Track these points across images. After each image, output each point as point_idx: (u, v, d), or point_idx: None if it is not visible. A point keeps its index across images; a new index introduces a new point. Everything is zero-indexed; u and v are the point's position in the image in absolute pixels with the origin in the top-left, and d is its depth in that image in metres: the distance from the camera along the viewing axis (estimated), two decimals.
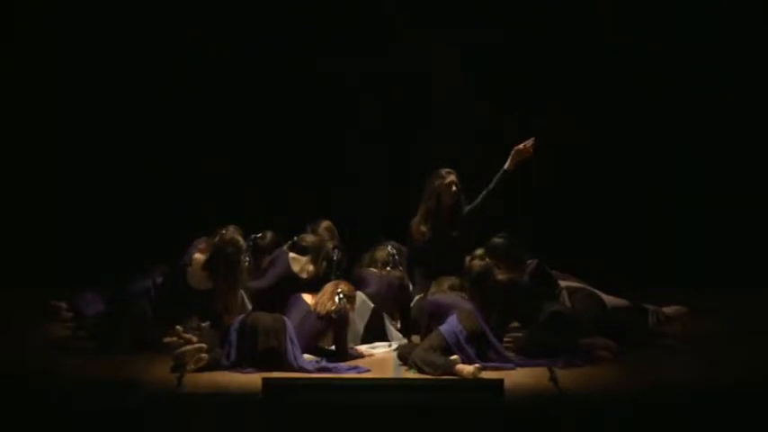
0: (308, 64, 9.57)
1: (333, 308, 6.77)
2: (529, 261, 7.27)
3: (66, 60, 9.56)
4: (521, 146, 7.53)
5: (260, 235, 7.58)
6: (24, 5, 9.56)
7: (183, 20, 9.53)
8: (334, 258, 7.36)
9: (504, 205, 7.70)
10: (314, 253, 7.40)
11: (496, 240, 7.23)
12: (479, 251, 7.15)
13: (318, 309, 6.79)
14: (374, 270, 7.57)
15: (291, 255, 7.37)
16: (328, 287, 6.93)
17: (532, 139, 7.51)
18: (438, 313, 6.83)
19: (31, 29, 9.56)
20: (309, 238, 7.53)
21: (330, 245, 7.49)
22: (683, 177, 9.58)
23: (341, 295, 6.84)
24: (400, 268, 7.63)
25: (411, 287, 7.59)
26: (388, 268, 7.61)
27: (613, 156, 9.57)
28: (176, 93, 9.54)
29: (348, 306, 6.88)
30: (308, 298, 6.91)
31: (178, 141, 9.57)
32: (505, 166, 7.56)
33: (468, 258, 7.16)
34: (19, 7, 9.55)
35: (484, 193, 7.60)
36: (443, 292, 7.04)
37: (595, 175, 9.58)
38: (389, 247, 7.73)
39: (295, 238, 7.60)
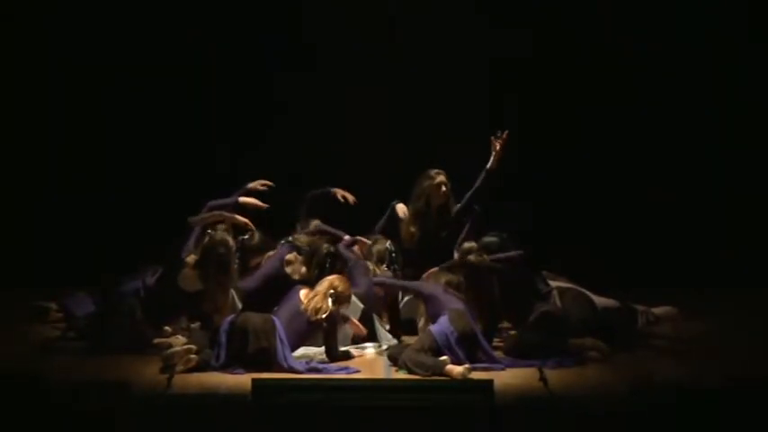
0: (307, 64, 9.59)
1: (323, 315, 6.71)
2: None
3: (62, 59, 9.55)
4: (498, 143, 7.51)
5: (247, 236, 7.58)
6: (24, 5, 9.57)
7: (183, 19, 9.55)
8: (327, 266, 7.32)
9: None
10: (307, 255, 7.38)
11: (490, 238, 7.24)
12: (468, 245, 7.15)
13: (309, 312, 6.74)
14: (369, 264, 7.55)
15: (288, 255, 7.36)
16: (323, 286, 6.84)
17: (507, 132, 7.47)
18: (431, 305, 6.81)
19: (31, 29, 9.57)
20: (303, 239, 7.53)
21: (324, 250, 7.45)
22: (678, 176, 9.59)
23: (333, 297, 6.78)
24: (395, 266, 7.63)
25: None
26: (384, 266, 7.60)
27: (608, 154, 9.58)
28: (173, 91, 9.53)
29: (341, 308, 6.83)
30: (303, 295, 6.82)
31: (176, 140, 9.57)
32: (488, 165, 7.55)
33: (458, 255, 7.16)
34: (19, 7, 9.55)
35: (469, 193, 7.59)
36: (440, 285, 6.99)
37: (588, 174, 9.59)
38: (388, 243, 7.72)
39: (289, 238, 7.60)
